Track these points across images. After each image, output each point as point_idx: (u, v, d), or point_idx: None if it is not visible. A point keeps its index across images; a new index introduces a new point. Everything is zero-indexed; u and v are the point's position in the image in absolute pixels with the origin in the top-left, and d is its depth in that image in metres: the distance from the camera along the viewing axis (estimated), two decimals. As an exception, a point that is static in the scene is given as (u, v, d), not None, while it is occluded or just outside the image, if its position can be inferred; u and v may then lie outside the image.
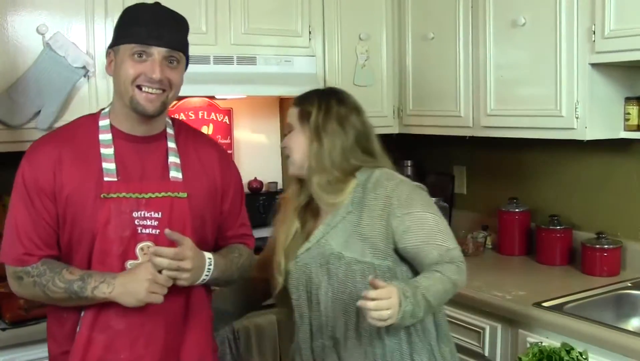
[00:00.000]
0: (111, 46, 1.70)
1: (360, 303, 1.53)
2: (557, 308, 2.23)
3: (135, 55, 1.63)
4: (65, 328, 1.70)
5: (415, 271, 1.77)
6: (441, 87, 3.01)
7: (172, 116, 1.86)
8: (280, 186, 3.28)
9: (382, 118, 3.23)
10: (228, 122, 3.20)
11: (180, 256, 1.60)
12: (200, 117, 3.13)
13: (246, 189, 3.23)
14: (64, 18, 2.46)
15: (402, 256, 1.76)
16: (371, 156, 1.83)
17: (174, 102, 3.03)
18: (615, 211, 2.73)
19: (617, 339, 1.99)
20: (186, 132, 1.83)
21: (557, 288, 2.45)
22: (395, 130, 3.29)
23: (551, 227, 2.83)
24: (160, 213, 1.67)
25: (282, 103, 3.32)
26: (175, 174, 1.72)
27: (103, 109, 1.77)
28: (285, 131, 1.92)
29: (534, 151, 3.00)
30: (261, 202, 3.14)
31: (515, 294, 2.39)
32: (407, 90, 3.20)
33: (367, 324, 1.63)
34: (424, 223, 1.73)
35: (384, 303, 1.52)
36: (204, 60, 2.72)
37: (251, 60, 2.86)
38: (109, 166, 1.66)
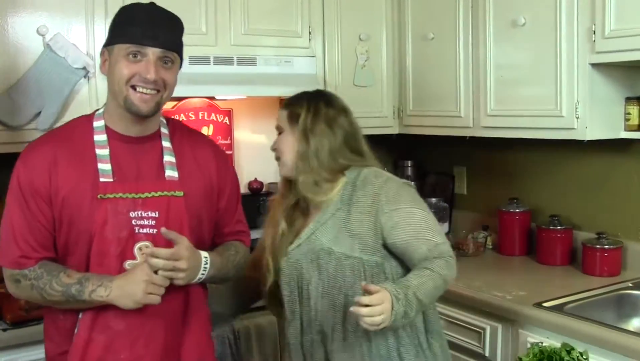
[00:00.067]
0: (105, 45, 1.69)
1: (353, 309, 1.55)
2: (558, 308, 2.23)
3: (130, 56, 1.62)
4: (63, 329, 1.70)
5: (405, 266, 1.79)
6: (441, 87, 3.01)
7: (167, 116, 1.86)
8: (280, 187, 3.28)
9: (382, 118, 3.24)
10: (228, 123, 3.20)
11: (176, 256, 1.60)
12: (200, 118, 3.13)
13: (246, 190, 3.23)
14: (64, 19, 2.46)
15: (391, 252, 1.79)
16: (359, 156, 1.87)
17: (175, 103, 3.05)
18: (615, 211, 2.73)
19: (617, 339, 1.99)
20: (181, 131, 1.83)
21: (558, 288, 2.45)
22: (395, 130, 3.29)
23: (551, 227, 2.83)
24: (157, 213, 1.67)
25: (282, 104, 3.31)
26: (171, 173, 1.72)
27: (97, 110, 1.77)
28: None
29: (534, 151, 3.00)
30: (261, 202, 3.14)
31: (515, 295, 2.39)
32: (407, 90, 3.20)
33: (354, 319, 1.65)
34: (412, 219, 1.76)
35: (377, 309, 1.54)
36: (204, 61, 2.72)
37: (251, 61, 2.86)
38: (105, 166, 1.66)
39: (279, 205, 1.93)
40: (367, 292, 1.56)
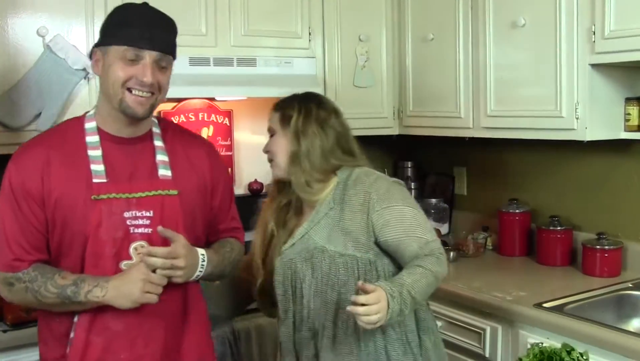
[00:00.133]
0: (98, 45, 1.68)
1: (350, 308, 1.57)
2: (558, 309, 2.23)
3: (127, 58, 1.61)
4: (57, 333, 1.69)
5: (396, 264, 1.82)
6: (441, 88, 3.01)
7: (159, 116, 1.86)
8: (280, 188, 3.28)
9: (382, 119, 3.24)
10: (228, 124, 3.20)
11: (173, 254, 1.61)
12: (200, 119, 3.13)
13: (246, 191, 3.24)
14: (64, 20, 2.46)
15: (383, 249, 1.81)
16: (350, 156, 1.90)
17: (175, 104, 3.05)
18: (615, 212, 2.73)
19: (617, 340, 1.99)
20: (173, 131, 1.84)
21: (558, 288, 2.45)
22: (395, 131, 3.29)
23: (551, 228, 2.83)
24: (151, 212, 1.67)
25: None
26: (164, 172, 1.72)
27: (87, 111, 1.76)
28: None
29: (534, 152, 3.00)
30: (261, 203, 3.14)
31: (515, 295, 2.39)
32: (407, 91, 3.20)
33: (345, 316, 1.71)
34: (402, 217, 1.79)
35: (373, 307, 1.56)
36: (204, 62, 2.72)
37: (251, 61, 2.86)
38: (98, 167, 1.65)
39: (268, 207, 1.96)
40: (363, 291, 1.58)
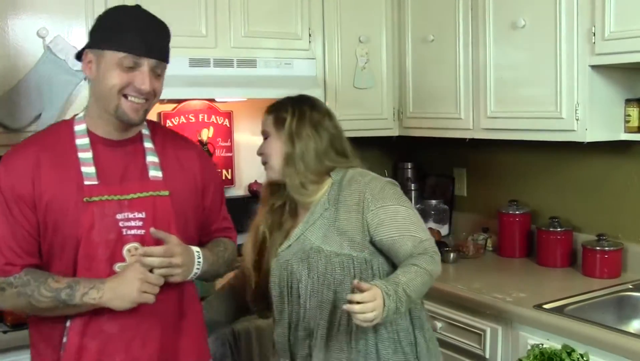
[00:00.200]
0: (90, 47, 1.66)
1: (346, 306, 1.57)
2: (558, 310, 2.23)
3: (124, 65, 1.60)
4: (49, 339, 1.67)
5: (391, 263, 1.83)
6: (441, 89, 3.01)
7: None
8: (280, 189, 3.28)
9: (382, 120, 3.24)
10: (228, 125, 3.20)
11: (169, 252, 1.60)
12: (200, 120, 3.13)
13: (246, 192, 3.24)
14: (64, 21, 2.46)
15: (378, 248, 1.83)
16: (344, 157, 1.91)
17: (175, 105, 3.05)
18: (615, 213, 2.73)
19: (618, 341, 1.99)
20: (162, 132, 1.84)
21: (558, 290, 2.45)
22: (395, 132, 3.29)
23: (551, 229, 2.82)
24: (144, 213, 1.67)
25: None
26: (154, 173, 1.72)
27: (77, 114, 1.75)
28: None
29: (534, 153, 3.00)
30: (261, 204, 3.14)
31: (516, 296, 2.39)
32: (407, 92, 3.20)
33: (340, 315, 1.74)
34: (397, 216, 1.80)
35: (369, 305, 1.57)
36: (204, 63, 2.72)
37: (251, 63, 2.86)
38: (89, 170, 1.64)
39: (260, 211, 1.98)
40: (359, 289, 1.58)
